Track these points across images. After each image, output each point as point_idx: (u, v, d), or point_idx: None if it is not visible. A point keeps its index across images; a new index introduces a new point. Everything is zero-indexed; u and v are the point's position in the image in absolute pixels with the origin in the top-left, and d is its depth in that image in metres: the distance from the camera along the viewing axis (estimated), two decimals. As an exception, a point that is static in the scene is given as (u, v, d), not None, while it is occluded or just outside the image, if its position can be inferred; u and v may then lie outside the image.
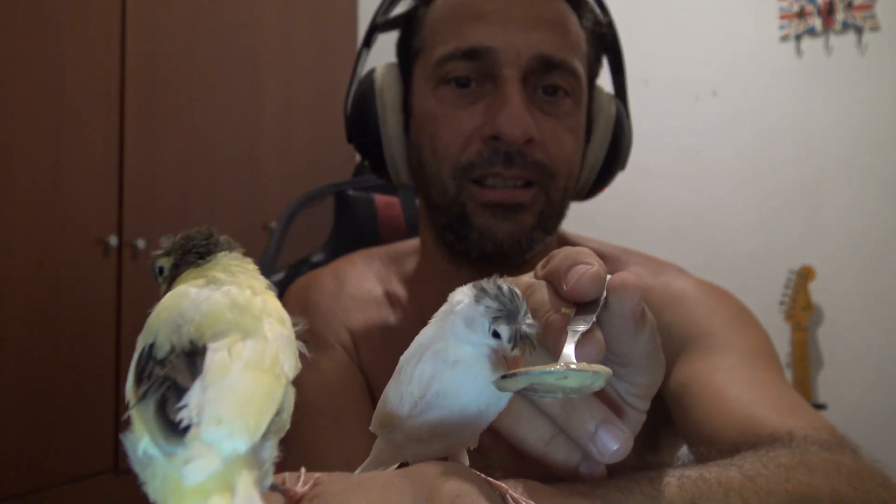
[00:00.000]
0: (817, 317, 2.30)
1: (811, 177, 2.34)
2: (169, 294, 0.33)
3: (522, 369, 0.35)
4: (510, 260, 0.66)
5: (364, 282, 0.77)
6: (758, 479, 0.41)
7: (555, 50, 0.65)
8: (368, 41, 0.77)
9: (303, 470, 0.32)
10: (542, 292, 0.39)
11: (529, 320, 0.35)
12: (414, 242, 0.80)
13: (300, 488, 0.31)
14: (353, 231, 1.05)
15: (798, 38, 2.37)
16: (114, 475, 1.91)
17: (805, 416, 0.56)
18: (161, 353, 0.29)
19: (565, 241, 0.79)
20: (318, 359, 0.72)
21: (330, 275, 0.79)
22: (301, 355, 0.32)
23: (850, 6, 2.30)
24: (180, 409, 0.26)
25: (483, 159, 0.64)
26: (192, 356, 0.29)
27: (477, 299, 0.36)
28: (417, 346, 0.38)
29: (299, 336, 0.33)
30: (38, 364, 1.75)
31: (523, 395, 0.36)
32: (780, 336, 2.27)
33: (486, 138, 0.65)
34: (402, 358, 0.39)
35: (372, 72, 0.73)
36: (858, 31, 2.29)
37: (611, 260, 0.77)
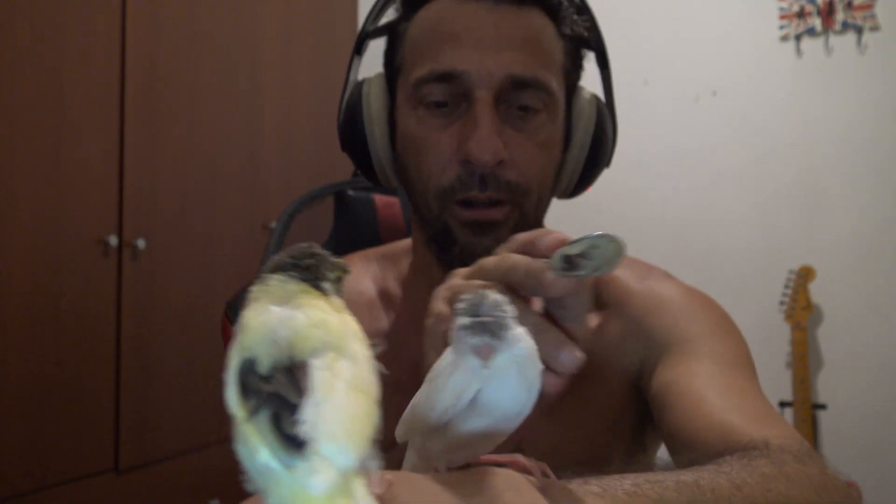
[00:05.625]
0: (817, 317, 2.30)
1: (811, 177, 2.34)
2: (252, 310, 0.34)
3: (581, 236, 0.46)
4: None
5: (358, 284, 0.78)
6: (744, 489, 0.45)
7: (526, 69, 0.66)
8: (360, 49, 0.78)
9: (378, 471, 0.34)
10: (516, 256, 0.50)
11: (493, 311, 0.39)
12: (409, 242, 0.81)
13: (376, 489, 0.33)
14: (353, 231, 1.05)
15: (798, 38, 2.37)
16: (114, 475, 1.92)
17: (777, 426, 0.60)
18: (263, 368, 0.31)
19: None
20: None
21: None
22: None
23: (850, 6, 2.30)
24: (296, 424, 0.29)
25: (461, 183, 0.66)
26: (292, 372, 0.31)
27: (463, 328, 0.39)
28: (449, 361, 0.41)
29: (376, 356, 0.35)
30: (38, 364, 1.75)
31: (561, 272, 0.47)
32: (780, 336, 2.27)
33: (462, 161, 0.67)
34: (435, 369, 0.42)
35: (361, 84, 0.74)
36: (858, 31, 2.29)
37: None
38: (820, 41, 2.34)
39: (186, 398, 2.06)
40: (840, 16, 2.31)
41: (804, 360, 2.20)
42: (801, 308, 2.23)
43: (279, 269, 0.36)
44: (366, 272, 0.80)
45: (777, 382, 2.25)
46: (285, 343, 0.32)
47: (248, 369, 0.31)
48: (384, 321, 0.76)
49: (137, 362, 1.97)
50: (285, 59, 2.47)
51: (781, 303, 2.29)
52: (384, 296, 0.78)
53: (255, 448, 0.30)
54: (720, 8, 2.48)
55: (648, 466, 0.76)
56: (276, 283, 0.35)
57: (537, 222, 0.71)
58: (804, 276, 2.25)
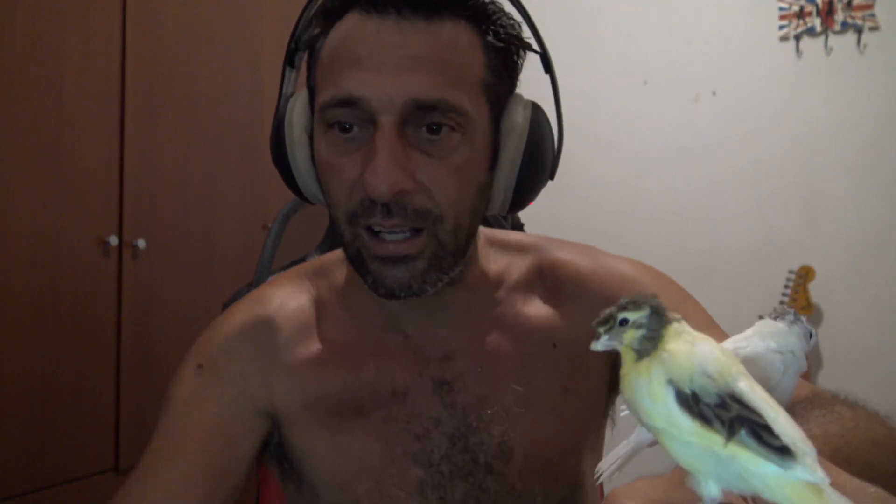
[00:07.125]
0: (817, 317, 2.30)
1: (811, 176, 2.34)
2: (676, 351, 0.43)
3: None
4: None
5: (292, 302, 0.76)
6: (852, 431, 0.56)
7: (430, 91, 0.62)
8: (292, 62, 0.76)
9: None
10: None
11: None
12: (340, 252, 0.77)
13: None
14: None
15: (798, 37, 2.37)
16: (114, 475, 1.92)
17: None
18: (709, 398, 0.41)
19: (490, 239, 0.77)
20: (218, 393, 0.71)
21: (250, 322, 0.75)
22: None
23: (849, 6, 2.30)
24: (776, 437, 0.40)
25: (365, 209, 0.64)
26: (735, 397, 0.41)
27: (790, 323, 0.55)
28: (755, 352, 0.53)
29: None
30: (38, 364, 1.75)
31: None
32: (780, 336, 2.27)
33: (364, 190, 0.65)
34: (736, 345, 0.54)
35: (287, 101, 0.72)
36: (858, 30, 2.29)
37: (534, 249, 0.77)
38: (820, 41, 2.34)
39: (186, 398, 2.06)
40: (840, 16, 2.31)
41: (804, 360, 2.20)
42: (801, 308, 2.23)
43: (641, 305, 0.45)
44: (299, 289, 0.77)
45: (777, 382, 2.25)
46: (716, 377, 0.41)
47: (694, 398, 0.41)
48: (329, 335, 0.74)
49: (137, 362, 1.97)
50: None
51: (781, 303, 2.29)
52: (323, 310, 0.76)
53: (751, 459, 0.40)
54: (720, 8, 2.48)
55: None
56: (678, 322, 0.45)
57: (459, 248, 0.67)
58: (804, 276, 2.25)
